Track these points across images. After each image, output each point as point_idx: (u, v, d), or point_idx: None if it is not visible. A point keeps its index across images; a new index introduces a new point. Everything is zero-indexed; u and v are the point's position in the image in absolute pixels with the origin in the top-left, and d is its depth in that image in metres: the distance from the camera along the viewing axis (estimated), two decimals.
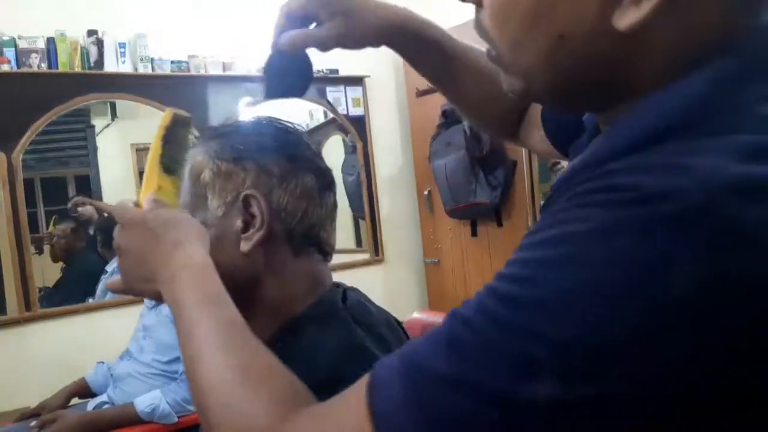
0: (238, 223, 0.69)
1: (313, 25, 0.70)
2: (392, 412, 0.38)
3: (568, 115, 0.73)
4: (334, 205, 0.76)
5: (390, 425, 0.38)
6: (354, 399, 0.41)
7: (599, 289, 0.34)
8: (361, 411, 0.40)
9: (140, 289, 0.64)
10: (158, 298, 0.62)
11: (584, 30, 0.41)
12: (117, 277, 0.66)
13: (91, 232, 2.97)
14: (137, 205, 0.69)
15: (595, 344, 0.33)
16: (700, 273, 0.32)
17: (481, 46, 0.73)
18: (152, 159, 0.70)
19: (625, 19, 0.39)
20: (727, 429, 0.34)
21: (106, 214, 2.97)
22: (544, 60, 0.44)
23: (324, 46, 0.71)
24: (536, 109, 0.78)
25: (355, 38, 0.71)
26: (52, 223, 2.90)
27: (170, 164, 0.70)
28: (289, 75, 0.71)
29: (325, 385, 0.61)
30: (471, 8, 0.49)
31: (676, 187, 0.34)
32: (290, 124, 0.76)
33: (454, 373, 0.37)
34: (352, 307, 0.72)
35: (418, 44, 0.74)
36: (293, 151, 0.72)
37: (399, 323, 0.78)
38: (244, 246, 0.68)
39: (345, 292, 0.75)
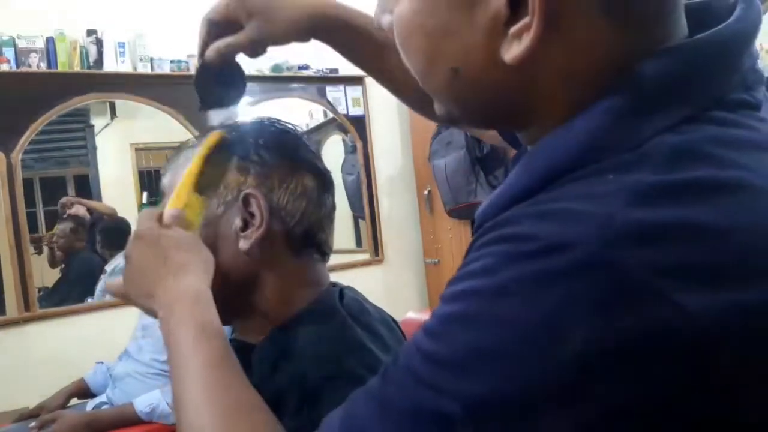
0: (237, 221, 0.69)
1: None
2: None
3: None
4: (333, 207, 0.76)
5: None
6: None
7: (500, 348, 0.34)
8: None
9: (138, 302, 0.65)
10: (153, 316, 0.62)
11: (476, 63, 0.42)
12: (118, 279, 0.67)
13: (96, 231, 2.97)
14: (159, 216, 0.66)
15: (501, 401, 0.34)
16: (595, 332, 0.32)
17: None
18: (188, 175, 0.67)
19: (510, 52, 0.40)
20: None
21: (105, 216, 2.97)
22: (445, 91, 0.46)
23: (250, 51, 0.71)
24: None
25: (277, 37, 0.71)
26: (48, 232, 2.89)
27: (204, 185, 0.67)
28: (219, 86, 0.71)
29: (323, 383, 0.61)
30: None
31: (569, 238, 0.34)
32: (290, 125, 0.76)
33: (377, 421, 0.39)
34: (349, 306, 0.72)
35: (345, 34, 0.74)
36: (293, 151, 0.73)
37: (395, 322, 0.78)
38: (243, 245, 0.68)
39: (342, 291, 0.76)
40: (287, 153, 0.72)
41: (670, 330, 0.32)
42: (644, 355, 0.32)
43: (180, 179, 0.69)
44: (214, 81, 0.70)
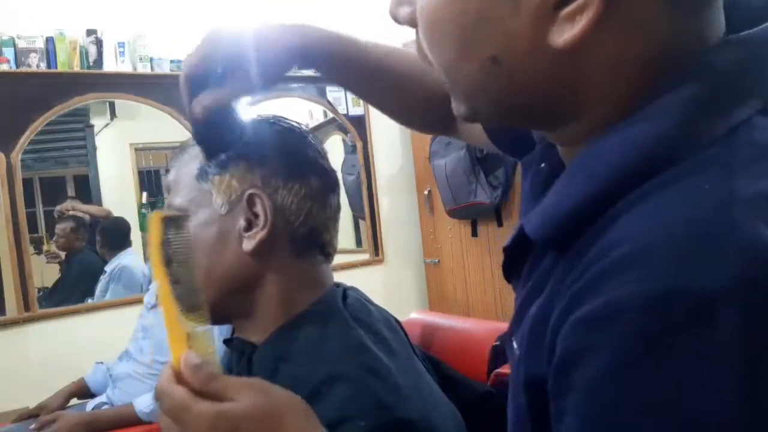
0: (242, 221, 0.68)
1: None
2: None
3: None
4: (338, 207, 0.75)
5: None
6: None
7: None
8: None
9: None
10: None
11: (518, 50, 0.39)
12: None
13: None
14: (179, 377, 0.47)
15: None
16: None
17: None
18: (166, 301, 0.50)
19: (562, 36, 0.37)
20: None
21: (102, 217, 2.97)
22: (480, 83, 0.42)
23: (238, 100, 0.66)
24: None
25: (261, 85, 0.65)
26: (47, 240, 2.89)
27: (185, 297, 0.50)
28: (217, 134, 0.67)
29: (324, 383, 0.61)
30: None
31: (718, 290, 0.30)
32: (296, 124, 0.76)
33: None
34: (352, 307, 0.72)
35: (330, 65, 0.69)
36: (299, 151, 0.72)
37: (398, 323, 0.78)
38: (247, 245, 0.68)
39: (345, 291, 0.75)
40: (292, 152, 0.71)
41: None
42: None
43: (180, 194, 0.66)
44: (211, 132, 0.66)
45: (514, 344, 0.46)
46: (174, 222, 0.53)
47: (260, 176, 0.69)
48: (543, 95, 0.41)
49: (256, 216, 0.68)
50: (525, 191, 0.55)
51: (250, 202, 0.68)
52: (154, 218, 0.52)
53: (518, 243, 0.46)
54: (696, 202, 0.33)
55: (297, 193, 0.70)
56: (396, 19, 0.47)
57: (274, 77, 0.65)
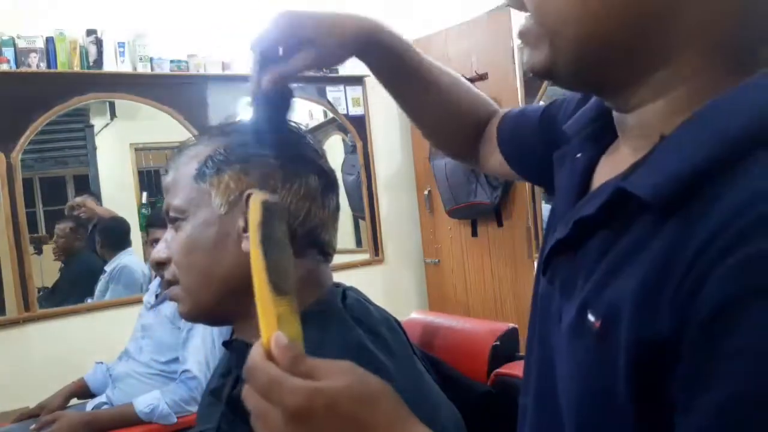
0: (241, 222, 0.68)
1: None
2: None
3: (526, 137, 0.72)
4: (337, 207, 0.75)
5: None
6: None
7: None
8: None
9: None
10: None
11: None
12: None
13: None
14: (270, 354, 0.47)
15: None
16: None
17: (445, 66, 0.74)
18: (259, 280, 0.49)
19: None
20: None
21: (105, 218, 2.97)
22: (573, 16, 0.42)
23: (300, 72, 0.69)
24: (493, 132, 0.77)
25: (328, 62, 0.70)
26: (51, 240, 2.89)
27: (279, 280, 0.50)
28: (275, 110, 0.70)
29: None
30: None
31: None
32: (295, 124, 0.76)
33: None
34: (352, 307, 0.72)
35: (384, 57, 0.73)
36: (298, 151, 0.72)
37: (398, 323, 0.78)
38: (246, 245, 0.68)
39: (344, 292, 0.75)
40: (292, 152, 0.71)
41: None
42: None
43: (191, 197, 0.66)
44: (270, 106, 0.69)
45: (591, 317, 0.43)
46: (272, 207, 0.53)
47: (259, 176, 0.69)
48: (633, 26, 0.41)
49: None
50: (562, 184, 0.54)
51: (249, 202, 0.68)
52: (255, 199, 0.52)
53: (607, 210, 0.44)
54: None
55: (296, 193, 0.70)
56: None
57: (340, 59, 0.70)
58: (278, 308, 0.49)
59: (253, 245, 0.50)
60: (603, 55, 0.43)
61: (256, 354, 0.46)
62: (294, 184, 0.70)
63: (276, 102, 0.69)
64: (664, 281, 0.38)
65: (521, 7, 0.46)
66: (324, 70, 0.68)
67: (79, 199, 2.98)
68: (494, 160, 0.78)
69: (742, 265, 0.34)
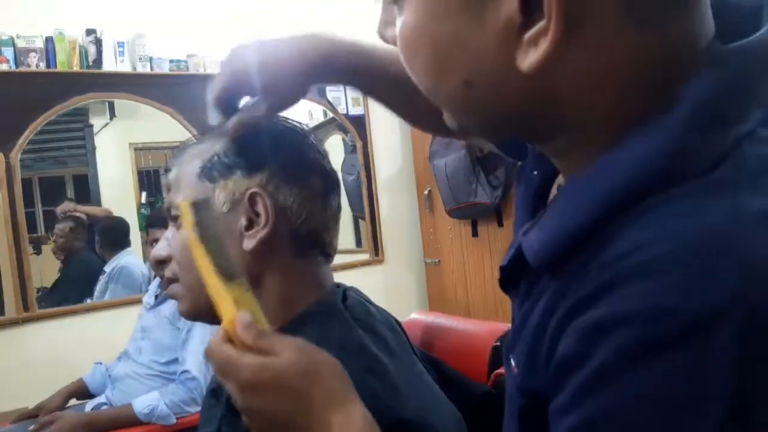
0: (243, 220, 0.68)
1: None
2: None
3: None
4: (338, 208, 0.75)
5: None
6: None
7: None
8: None
9: None
10: None
11: (489, 74, 0.40)
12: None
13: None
14: (229, 336, 0.51)
15: None
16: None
17: None
18: (207, 273, 0.54)
19: (527, 60, 0.37)
20: None
21: (102, 217, 2.96)
22: (457, 104, 0.43)
23: (263, 120, 0.70)
24: None
25: (283, 108, 0.69)
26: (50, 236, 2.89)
27: (225, 268, 0.54)
28: (253, 148, 0.71)
29: None
30: None
31: (716, 309, 0.30)
32: (298, 124, 0.76)
33: None
34: (352, 307, 0.72)
35: (350, 78, 0.72)
36: (300, 151, 0.72)
37: (398, 323, 0.78)
38: (247, 244, 0.68)
39: (345, 292, 0.75)
40: (295, 153, 0.71)
41: None
42: None
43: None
44: (244, 146, 0.71)
45: (512, 362, 0.47)
46: (200, 205, 0.57)
47: (262, 176, 0.69)
48: (521, 115, 0.41)
49: (258, 215, 0.68)
50: (518, 199, 0.54)
51: (252, 201, 0.68)
52: (183, 205, 0.56)
53: (515, 263, 0.46)
54: (703, 216, 0.33)
55: (298, 193, 0.70)
56: (384, 39, 0.48)
57: (298, 95, 0.69)
58: (233, 293, 0.53)
59: (194, 245, 0.55)
60: (502, 126, 0.44)
61: (215, 338, 0.51)
62: (297, 184, 0.70)
63: (249, 142, 0.70)
64: (540, 338, 0.40)
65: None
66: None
67: (60, 208, 2.97)
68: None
69: (585, 325, 0.35)
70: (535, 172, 0.52)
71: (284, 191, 0.69)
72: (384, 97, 0.76)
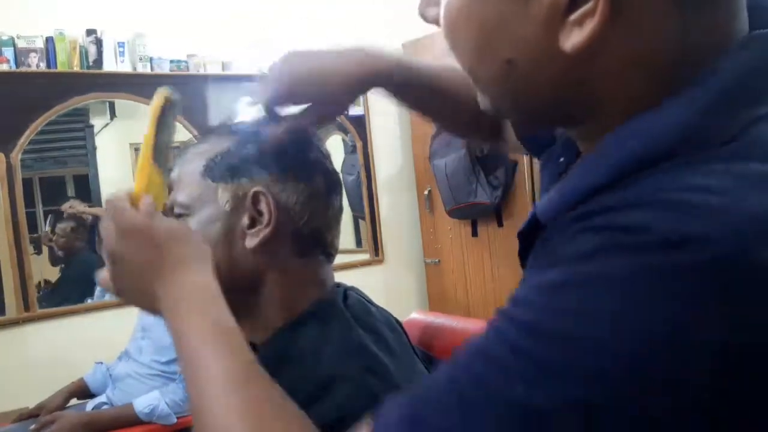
0: (245, 219, 0.69)
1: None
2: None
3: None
4: (340, 208, 0.76)
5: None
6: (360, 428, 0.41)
7: (621, 344, 0.32)
8: None
9: (135, 302, 0.61)
10: (154, 314, 0.58)
11: (532, 53, 0.41)
12: (107, 272, 0.62)
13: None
14: (132, 200, 0.60)
15: (612, 406, 0.31)
16: (726, 331, 0.30)
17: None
18: (146, 149, 0.63)
19: (570, 40, 0.39)
20: None
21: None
22: (498, 84, 0.44)
23: (310, 128, 0.73)
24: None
25: (333, 117, 0.75)
26: (50, 228, 2.88)
27: (159, 154, 0.64)
28: (302, 145, 0.74)
29: (324, 383, 0.61)
30: (431, 24, 0.49)
31: (693, 233, 0.31)
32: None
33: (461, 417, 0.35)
34: (353, 307, 0.72)
35: (391, 90, 0.75)
36: (304, 151, 0.72)
37: (399, 323, 0.78)
38: (249, 243, 0.68)
39: (346, 292, 0.75)
40: (297, 152, 0.72)
41: None
42: None
43: (183, 171, 0.71)
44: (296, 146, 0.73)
45: None
46: (173, 100, 0.65)
47: (265, 175, 0.69)
48: (559, 97, 0.42)
49: (260, 214, 0.68)
50: (543, 184, 0.56)
51: (255, 200, 0.68)
52: (160, 91, 0.65)
53: (531, 227, 0.47)
54: (702, 177, 0.34)
55: (301, 193, 0.70)
56: (425, 19, 0.49)
57: (346, 107, 0.73)
58: (152, 175, 0.63)
59: (150, 126, 0.64)
60: (538, 109, 0.45)
61: (121, 193, 0.60)
62: (300, 184, 0.70)
63: (300, 140, 0.73)
64: None
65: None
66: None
67: (66, 206, 2.97)
68: (514, 143, 0.79)
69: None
70: (562, 159, 0.54)
71: (287, 191, 0.70)
72: (429, 110, 0.81)
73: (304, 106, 0.71)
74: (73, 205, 2.95)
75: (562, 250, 0.37)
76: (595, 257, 0.34)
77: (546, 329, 0.34)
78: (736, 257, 0.31)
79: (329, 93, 0.69)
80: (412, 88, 0.75)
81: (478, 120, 0.80)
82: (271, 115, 0.71)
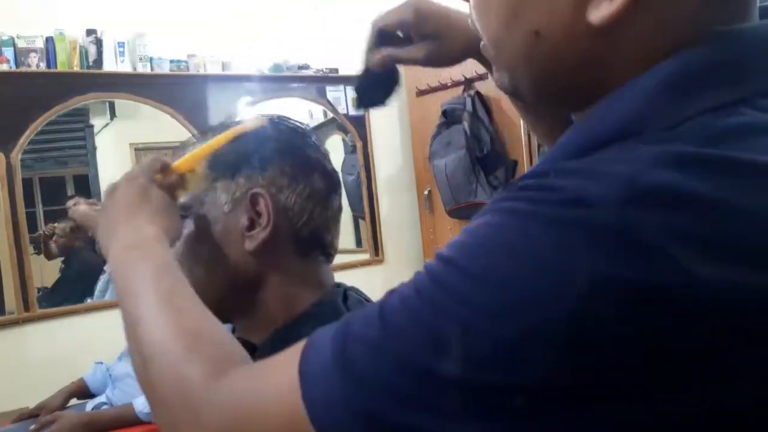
0: (244, 220, 0.68)
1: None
2: (319, 372, 0.39)
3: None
4: (340, 208, 0.76)
5: (315, 384, 0.39)
6: (287, 360, 0.42)
7: (502, 277, 0.35)
8: (292, 371, 0.41)
9: (98, 232, 0.65)
10: (104, 252, 0.62)
11: (559, 26, 0.42)
12: (84, 209, 0.68)
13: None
14: (164, 168, 0.67)
15: (496, 333, 0.34)
16: (594, 274, 0.33)
17: None
18: (208, 148, 0.69)
19: (599, 13, 0.39)
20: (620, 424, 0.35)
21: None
22: (523, 57, 0.45)
23: (414, 64, 0.73)
24: None
25: (443, 60, 0.72)
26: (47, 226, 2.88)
27: (213, 161, 0.69)
28: (379, 88, 0.74)
29: None
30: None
31: (589, 195, 0.35)
32: (300, 124, 0.76)
33: (379, 337, 0.38)
34: (353, 307, 0.72)
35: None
36: (302, 151, 0.72)
37: None
38: (249, 244, 0.68)
39: (345, 292, 0.75)
40: (296, 153, 0.71)
41: (673, 290, 0.32)
42: (643, 306, 0.32)
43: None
44: (376, 83, 0.73)
45: None
46: (255, 136, 0.70)
47: (264, 176, 0.69)
48: (580, 71, 0.43)
49: (259, 215, 0.68)
50: None
51: (254, 201, 0.68)
52: (260, 120, 0.71)
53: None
54: (620, 157, 0.37)
55: (300, 193, 0.70)
56: None
57: (455, 60, 0.72)
58: (200, 167, 0.68)
59: (229, 135, 0.69)
60: (556, 87, 0.46)
61: (163, 158, 0.68)
62: (299, 184, 0.70)
63: (380, 82, 0.73)
64: None
65: (478, 33, 0.50)
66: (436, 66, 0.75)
67: (71, 202, 2.97)
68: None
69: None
70: None
71: (286, 191, 0.69)
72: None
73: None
74: (78, 203, 2.95)
75: (499, 201, 0.40)
76: (512, 208, 0.38)
77: (456, 263, 0.38)
78: (616, 219, 0.33)
79: (454, 33, 0.69)
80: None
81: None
82: (377, 38, 0.71)
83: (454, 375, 0.35)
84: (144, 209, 0.62)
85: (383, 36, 0.71)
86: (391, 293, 0.41)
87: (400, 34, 0.72)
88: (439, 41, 0.70)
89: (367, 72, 0.72)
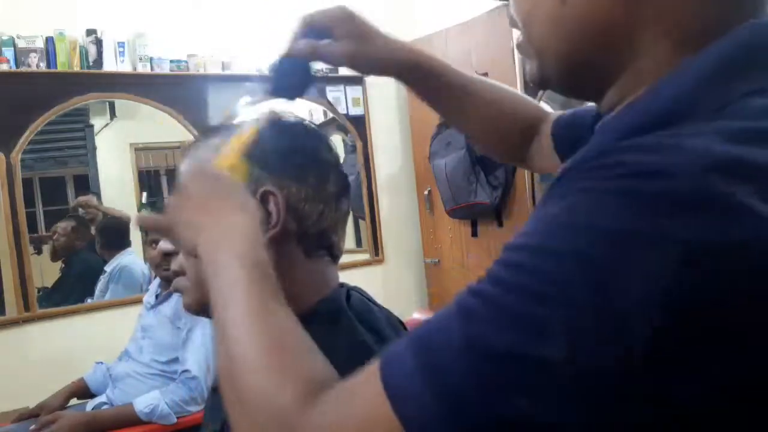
0: None
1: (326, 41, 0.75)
2: (406, 382, 0.38)
3: (583, 139, 0.75)
4: (348, 210, 0.76)
5: (405, 396, 0.38)
6: (367, 379, 0.41)
7: (588, 251, 0.35)
8: (376, 389, 0.39)
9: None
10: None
11: None
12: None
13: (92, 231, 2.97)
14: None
15: (600, 307, 0.34)
16: (687, 239, 0.34)
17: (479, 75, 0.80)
18: (243, 138, 0.69)
19: None
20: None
21: (110, 216, 2.96)
22: (551, 27, 0.47)
23: (332, 62, 0.76)
24: (547, 139, 0.82)
25: (362, 64, 0.75)
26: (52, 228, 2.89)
27: (255, 156, 0.69)
28: (290, 77, 0.75)
29: None
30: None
31: (668, 165, 0.36)
32: (313, 125, 0.76)
33: (466, 336, 0.37)
34: (355, 307, 0.72)
35: (427, 83, 0.80)
36: (315, 152, 0.72)
37: (401, 323, 0.78)
38: None
39: (349, 291, 0.75)
40: (309, 154, 0.71)
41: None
42: (740, 261, 0.34)
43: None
44: (287, 73, 0.75)
45: None
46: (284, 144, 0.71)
47: (276, 175, 0.69)
48: (604, 42, 0.45)
49: (269, 214, 0.68)
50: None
51: (264, 199, 0.68)
52: (254, 128, 0.70)
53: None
54: (686, 132, 0.38)
55: (311, 194, 0.70)
56: None
57: (374, 68, 0.77)
58: (240, 163, 0.67)
59: (257, 131, 0.70)
60: (582, 65, 0.48)
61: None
62: (310, 185, 0.70)
63: (294, 70, 0.74)
64: None
65: (516, 26, 0.52)
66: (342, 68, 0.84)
67: (83, 198, 2.97)
68: (548, 163, 0.83)
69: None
70: None
71: (297, 191, 0.69)
72: (444, 106, 0.86)
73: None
74: (89, 201, 2.95)
75: (570, 181, 0.40)
76: (589, 187, 0.38)
77: (536, 246, 0.38)
78: (693, 186, 0.35)
79: (375, 45, 0.74)
80: (443, 80, 0.80)
81: (501, 135, 0.86)
82: (305, 32, 0.73)
83: (559, 357, 0.34)
84: (226, 199, 0.61)
85: (310, 30, 0.73)
86: (460, 295, 0.40)
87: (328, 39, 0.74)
88: (361, 44, 0.73)
89: (283, 60, 0.74)
